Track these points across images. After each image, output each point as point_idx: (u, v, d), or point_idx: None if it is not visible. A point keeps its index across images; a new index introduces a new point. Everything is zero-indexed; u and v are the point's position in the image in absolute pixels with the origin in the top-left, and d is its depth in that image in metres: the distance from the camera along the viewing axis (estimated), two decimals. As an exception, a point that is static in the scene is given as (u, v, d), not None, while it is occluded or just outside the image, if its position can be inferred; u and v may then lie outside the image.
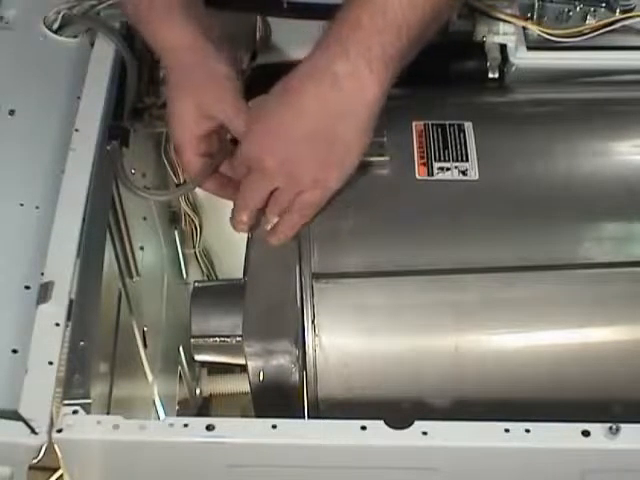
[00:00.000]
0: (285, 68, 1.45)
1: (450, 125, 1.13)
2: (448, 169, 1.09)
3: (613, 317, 1.03)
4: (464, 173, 1.08)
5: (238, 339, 1.00)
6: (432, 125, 1.13)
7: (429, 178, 1.09)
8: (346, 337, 1.01)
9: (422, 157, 1.10)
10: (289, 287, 1.01)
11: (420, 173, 1.09)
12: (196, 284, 1.16)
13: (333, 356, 1.00)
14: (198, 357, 1.10)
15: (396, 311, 1.02)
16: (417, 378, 1.02)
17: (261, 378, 1.00)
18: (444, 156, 1.10)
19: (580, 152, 1.15)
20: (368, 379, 1.02)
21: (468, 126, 1.13)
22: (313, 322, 1.00)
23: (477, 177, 1.08)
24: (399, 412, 1.00)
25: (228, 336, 1.06)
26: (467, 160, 1.09)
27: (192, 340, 1.08)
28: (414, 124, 1.14)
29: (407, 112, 1.17)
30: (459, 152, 1.10)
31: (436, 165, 1.09)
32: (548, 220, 1.07)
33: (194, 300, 1.10)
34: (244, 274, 1.11)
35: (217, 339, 1.07)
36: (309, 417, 1.02)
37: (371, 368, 1.02)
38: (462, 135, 1.12)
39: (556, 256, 1.04)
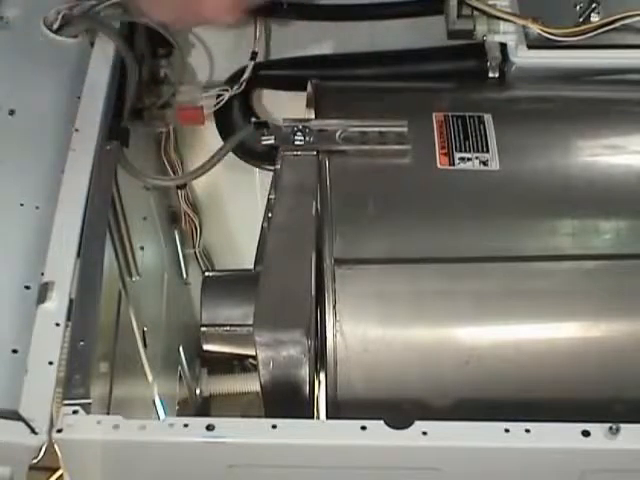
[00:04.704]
0: (284, 65, 1.46)
1: (470, 117, 1.15)
2: (469, 159, 1.10)
3: (633, 309, 1.04)
4: (485, 164, 1.10)
5: (249, 329, 0.99)
6: (452, 116, 1.15)
7: (450, 167, 1.10)
8: (367, 323, 1.02)
9: (443, 147, 1.11)
10: (303, 278, 1.01)
11: (441, 162, 1.10)
12: (207, 273, 1.16)
13: (353, 342, 1.00)
14: (207, 346, 1.10)
15: (417, 298, 1.03)
16: (436, 365, 1.02)
17: (271, 369, 1.00)
18: (465, 147, 1.11)
19: (599, 146, 1.16)
20: (388, 365, 1.02)
21: (488, 118, 1.15)
22: (334, 307, 1.00)
23: (498, 168, 1.10)
24: (417, 399, 1.01)
25: (239, 325, 1.07)
26: (488, 151, 1.11)
27: (202, 329, 1.08)
28: (434, 115, 1.15)
29: (427, 104, 1.19)
30: (480, 143, 1.12)
31: (457, 155, 1.10)
32: (568, 211, 1.08)
33: (205, 289, 1.10)
34: (256, 263, 1.11)
35: (227, 328, 1.07)
36: (326, 405, 1.02)
37: (391, 354, 1.02)
38: (482, 127, 1.13)
39: (577, 247, 1.06)
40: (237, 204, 1.73)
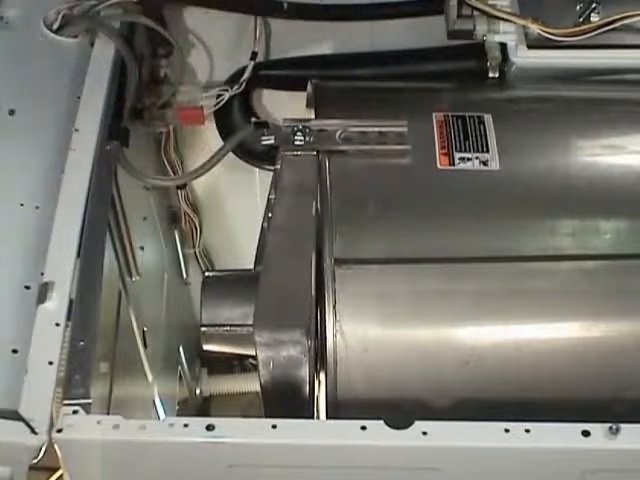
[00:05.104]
0: (284, 65, 1.46)
1: (470, 117, 1.15)
2: (469, 159, 1.10)
3: (632, 308, 1.04)
4: (485, 164, 1.10)
5: (249, 329, 0.99)
6: (452, 116, 1.15)
7: (450, 167, 1.10)
8: (367, 323, 1.02)
9: (443, 147, 1.11)
10: (303, 278, 1.01)
11: (441, 162, 1.10)
12: (207, 273, 1.16)
13: (353, 342, 1.01)
14: (207, 347, 1.10)
15: (417, 298, 1.03)
16: (436, 365, 1.03)
17: (271, 369, 1.00)
18: (465, 147, 1.12)
19: (599, 146, 1.17)
20: (388, 365, 1.02)
21: (488, 118, 1.15)
22: (334, 307, 1.00)
23: (498, 168, 1.10)
24: (417, 399, 1.01)
25: (239, 325, 1.07)
26: (488, 151, 1.11)
27: (202, 329, 1.08)
28: (434, 115, 1.16)
29: (427, 104, 1.20)
30: (480, 143, 1.12)
31: (457, 155, 1.10)
32: (568, 211, 1.09)
33: (205, 289, 1.10)
34: (256, 263, 1.12)
35: (227, 328, 1.08)
36: (326, 405, 1.02)
37: (391, 354, 1.02)
38: (482, 127, 1.14)
39: (577, 247, 1.06)
40: (237, 204, 1.73)
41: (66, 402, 0.90)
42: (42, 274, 0.99)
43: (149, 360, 1.36)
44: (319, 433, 0.90)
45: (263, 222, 1.20)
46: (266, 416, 0.99)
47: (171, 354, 1.60)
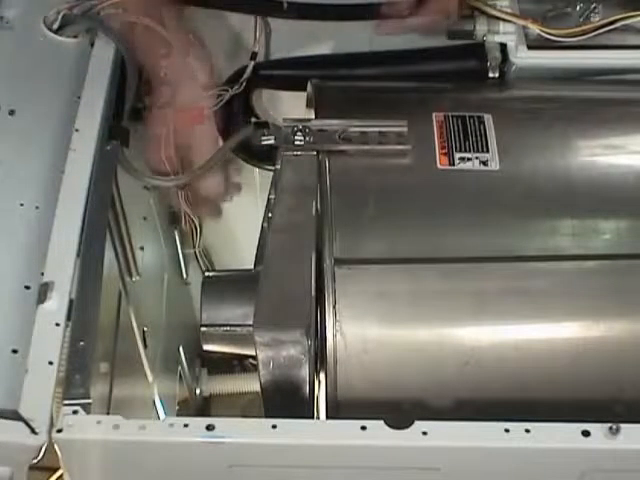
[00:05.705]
0: (284, 65, 1.46)
1: (470, 117, 1.15)
2: (469, 159, 1.10)
3: (632, 308, 1.04)
4: (485, 164, 1.10)
5: (249, 329, 0.99)
6: (452, 116, 1.15)
7: (450, 167, 1.10)
8: (367, 323, 1.02)
9: (443, 147, 1.11)
10: (303, 278, 1.01)
11: (441, 162, 1.10)
12: (207, 273, 1.17)
13: (353, 342, 1.00)
14: (207, 347, 1.10)
15: (417, 298, 1.03)
16: (436, 365, 1.03)
17: (271, 369, 0.99)
18: (465, 147, 1.12)
19: (599, 146, 1.17)
20: (388, 365, 1.02)
21: (488, 118, 1.15)
22: (334, 307, 1.00)
23: (498, 168, 1.10)
24: (418, 399, 1.01)
25: (238, 325, 1.07)
26: (488, 151, 1.11)
27: (202, 329, 1.08)
28: (434, 115, 1.16)
29: (427, 104, 1.20)
30: (480, 143, 1.12)
31: (457, 155, 1.10)
32: (568, 211, 1.09)
33: (205, 289, 1.11)
34: (256, 263, 1.12)
35: (227, 328, 1.08)
36: (326, 405, 1.02)
37: (391, 354, 1.02)
38: (482, 127, 1.14)
39: (577, 247, 1.06)
40: (237, 204, 1.73)
41: (66, 402, 0.90)
42: (42, 274, 0.99)
43: (149, 360, 1.36)
44: (319, 433, 0.90)
45: (263, 222, 1.20)
46: (266, 416, 0.99)
47: (171, 354, 1.60)
